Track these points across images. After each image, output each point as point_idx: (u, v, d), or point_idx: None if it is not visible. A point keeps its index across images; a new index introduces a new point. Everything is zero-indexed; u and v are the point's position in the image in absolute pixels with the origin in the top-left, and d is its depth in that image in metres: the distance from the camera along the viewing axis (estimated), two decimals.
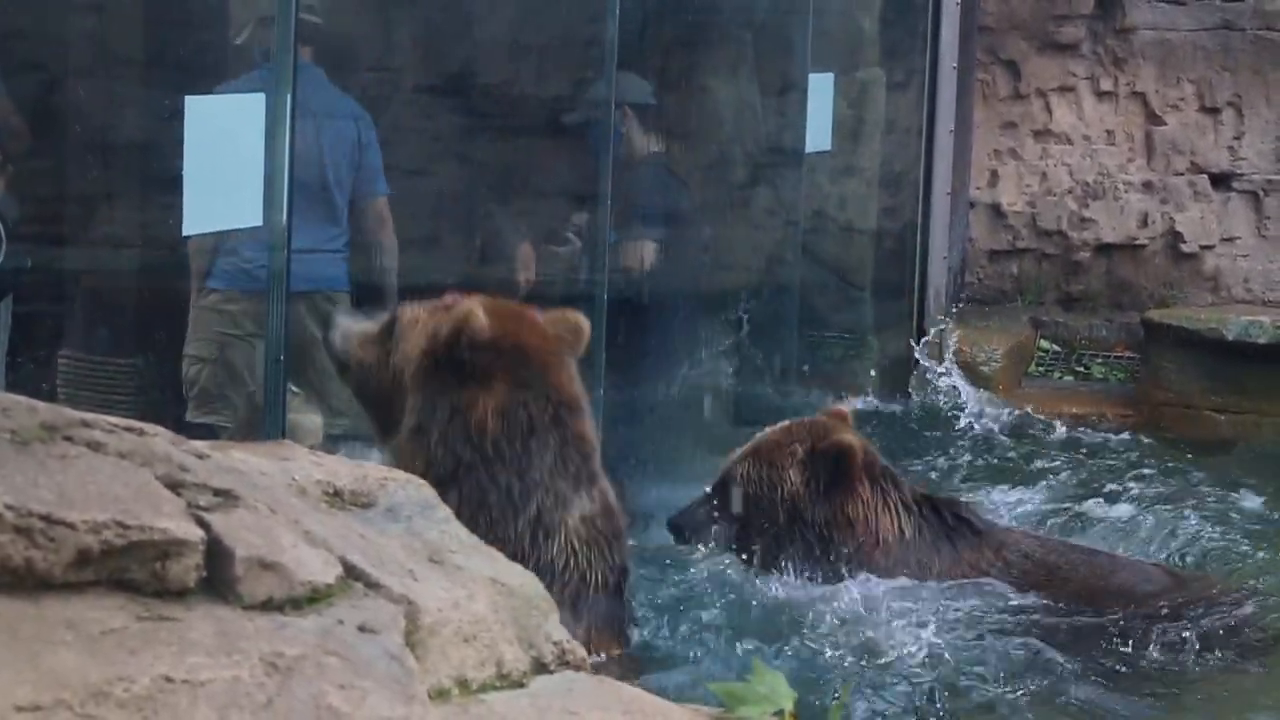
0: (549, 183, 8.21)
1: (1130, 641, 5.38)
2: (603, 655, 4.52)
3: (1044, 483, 7.96)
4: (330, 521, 2.27)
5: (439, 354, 4.59)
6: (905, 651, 5.03)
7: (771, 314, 8.85)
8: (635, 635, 4.87)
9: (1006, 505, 7.47)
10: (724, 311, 8.64)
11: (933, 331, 10.04)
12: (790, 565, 5.52)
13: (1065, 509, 7.37)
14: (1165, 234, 11.11)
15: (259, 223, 5.34)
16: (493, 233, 7.93)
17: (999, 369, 10.05)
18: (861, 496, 5.57)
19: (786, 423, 5.80)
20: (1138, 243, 11.14)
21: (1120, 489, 7.77)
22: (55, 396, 6.09)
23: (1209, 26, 11.06)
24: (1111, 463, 8.58)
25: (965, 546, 5.64)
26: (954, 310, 10.46)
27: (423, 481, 2.58)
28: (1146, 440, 9.10)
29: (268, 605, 2.00)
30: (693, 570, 5.53)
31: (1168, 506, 7.32)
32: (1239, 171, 11.09)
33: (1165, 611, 5.52)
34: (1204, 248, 11.09)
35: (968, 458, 8.61)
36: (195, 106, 5.30)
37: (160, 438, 2.15)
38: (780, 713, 2.25)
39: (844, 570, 5.48)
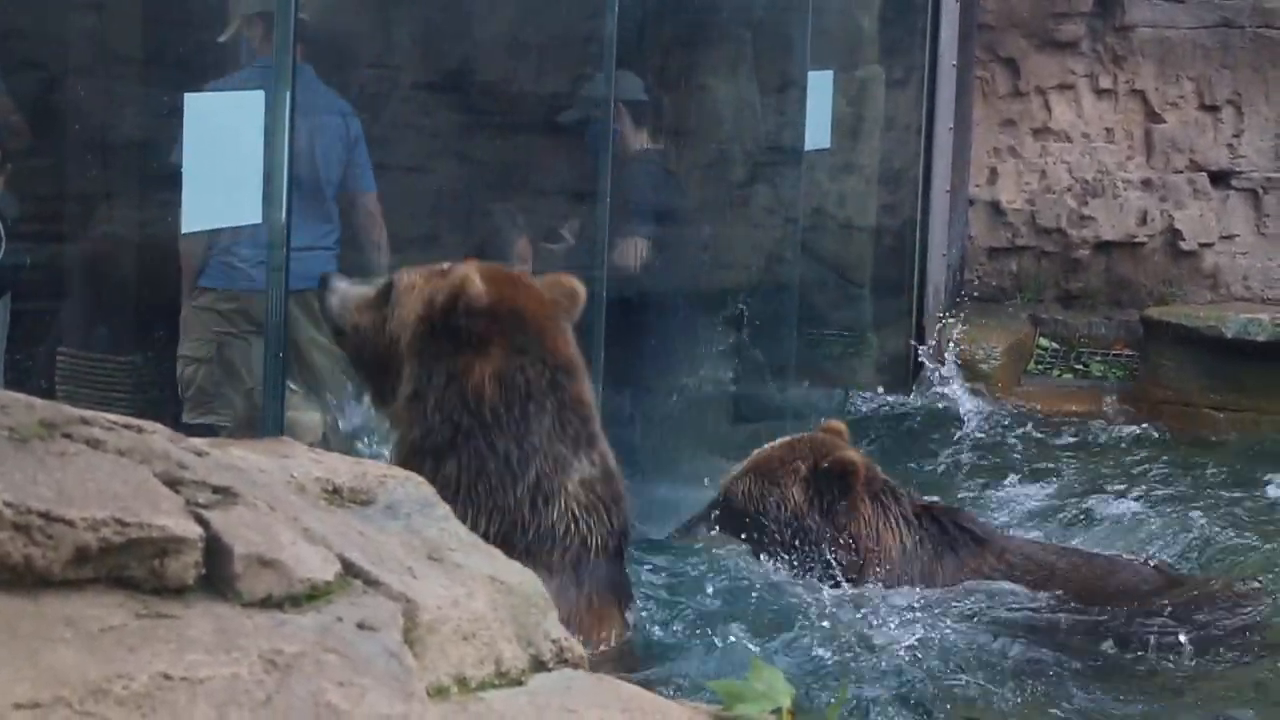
0: (547, 180, 8.20)
1: (1130, 641, 5.40)
2: (604, 633, 4.52)
3: (1043, 480, 7.98)
4: (329, 519, 2.26)
5: (435, 320, 4.56)
6: (903, 650, 5.03)
7: (771, 312, 8.84)
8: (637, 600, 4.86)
9: (1005, 502, 7.48)
10: (723, 309, 8.63)
11: (933, 332, 10.05)
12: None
13: (1065, 506, 7.38)
14: (1164, 232, 11.11)
15: (258, 220, 5.34)
16: (490, 230, 7.91)
17: (998, 367, 10.05)
18: (864, 513, 5.60)
19: (784, 439, 5.82)
20: (1137, 240, 11.13)
21: (1120, 486, 7.78)
22: (54, 394, 6.10)
23: (1208, 24, 11.05)
24: (1110, 460, 8.59)
25: (968, 555, 5.69)
26: (953, 308, 10.45)
27: (422, 479, 2.58)
28: (1145, 437, 9.10)
29: (267, 602, 2.00)
30: (692, 570, 5.54)
31: (1168, 503, 7.33)
32: (1238, 169, 11.08)
33: (1165, 611, 5.54)
34: (1203, 245, 11.08)
35: (967, 455, 8.62)
36: (194, 104, 5.30)
37: (159, 435, 2.15)
38: (778, 710, 2.25)
39: (847, 586, 5.50)
